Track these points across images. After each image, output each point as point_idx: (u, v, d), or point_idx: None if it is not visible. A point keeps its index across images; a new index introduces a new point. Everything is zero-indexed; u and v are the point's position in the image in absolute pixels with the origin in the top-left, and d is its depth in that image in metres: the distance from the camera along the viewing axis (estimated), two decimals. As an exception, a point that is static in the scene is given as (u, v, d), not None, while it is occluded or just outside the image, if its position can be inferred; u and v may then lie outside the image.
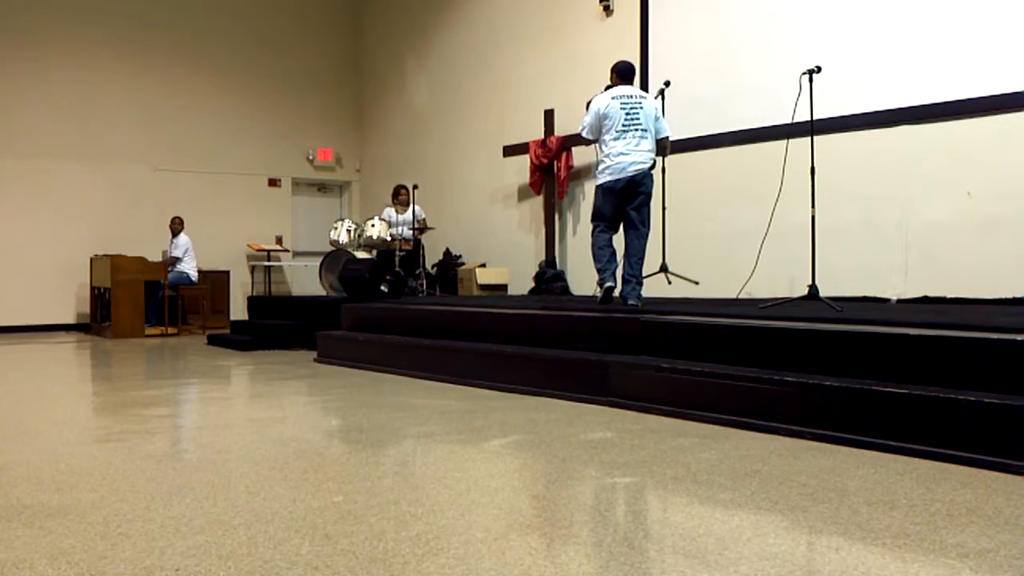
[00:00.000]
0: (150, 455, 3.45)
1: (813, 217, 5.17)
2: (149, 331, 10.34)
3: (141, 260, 10.37)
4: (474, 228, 10.67)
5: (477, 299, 8.70)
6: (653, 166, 5.80)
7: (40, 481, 3.00)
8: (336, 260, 9.50)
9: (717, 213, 7.68)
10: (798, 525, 2.45)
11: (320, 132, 12.98)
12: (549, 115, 9.44)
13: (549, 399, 4.84)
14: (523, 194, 10.04)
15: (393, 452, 3.62)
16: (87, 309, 11.06)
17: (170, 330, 10.47)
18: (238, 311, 11.33)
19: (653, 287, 6.77)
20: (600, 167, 5.83)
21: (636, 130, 5.67)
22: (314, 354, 7.47)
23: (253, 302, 10.28)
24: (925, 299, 6.24)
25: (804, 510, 2.59)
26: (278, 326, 8.75)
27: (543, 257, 9.47)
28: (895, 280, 6.50)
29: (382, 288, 8.44)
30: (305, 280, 12.65)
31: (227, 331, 10.03)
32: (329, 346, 7.26)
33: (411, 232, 9.47)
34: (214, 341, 9.24)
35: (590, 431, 3.91)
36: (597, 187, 5.86)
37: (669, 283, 6.65)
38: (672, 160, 6.69)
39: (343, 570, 2.07)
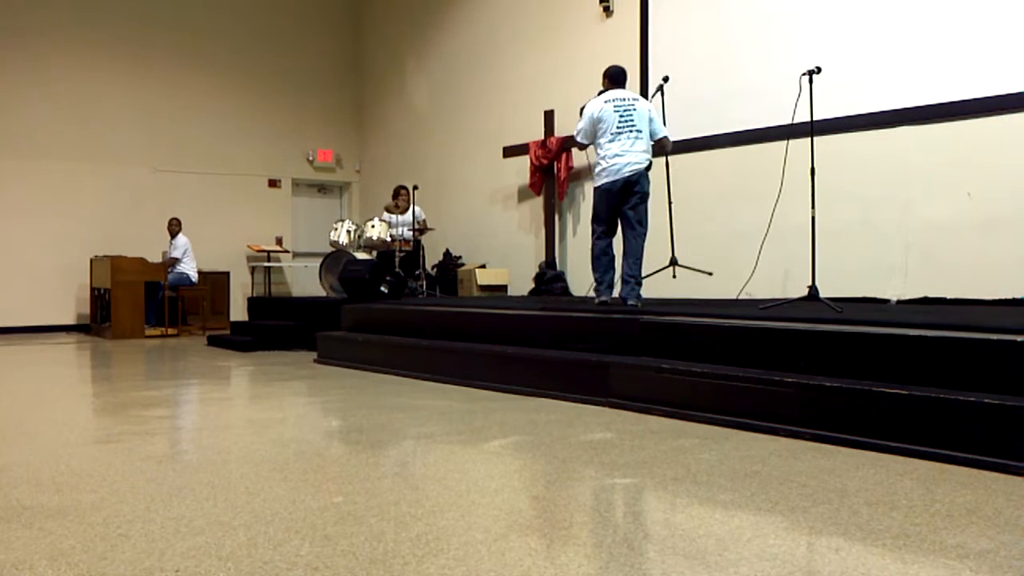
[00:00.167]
0: (150, 456, 3.45)
1: (813, 218, 5.17)
2: (149, 332, 10.34)
3: (141, 261, 10.38)
4: (474, 229, 10.67)
5: (477, 300, 8.70)
6: (649, 167, 5.82)
7: (40, 482, 3.00)
8: (336, 261, 9.50)
9: (717, 213, 7.68)
10: (798, 526, 2.45)
11: (320, 133, 12.98)
12: (549, 116, 9.44)
13: (549, 400, 4.84)
14: (523, 195, 10.04)
15: (393, 453, 3.62)
16: (87, 310, 11.07)
17: (170, 331, 10.47)
18: (238, 312, 11.34)
19: (655, 287, 6.78)
20: (597, 169, 5.87)
21: (631, 131, 5.72)
22: (314, 355, 7.47)
23: (253, 303, 10.28)
24: (925, 300, 6.24)
25: (804, 511, 2.59)
26: (278, 327, 8.75)
27: (543, 258, 9.47)
28: (895, 281, 6.50)
29: (382, 289, 8.44)
30: (305, 281, 12.65)
31: (227, 332, 10.04)
32: (329, 347, 7.26)
33: (411, 233, 9.48)
34: (214, 342, 9.24)
35: (590, 432, 3.91)
36: (595, 190, 5.89)
37: (674, 277, 6.63)
38: (672, 160, 6.70)
39: (343, 571, 2.07)
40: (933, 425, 3.26)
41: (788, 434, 3.68)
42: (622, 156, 5.70)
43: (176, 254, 10.78)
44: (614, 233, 5.92)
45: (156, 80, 11.63)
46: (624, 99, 5.83)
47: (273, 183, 12.67)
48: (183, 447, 3.87)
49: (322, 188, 13.41)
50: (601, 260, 5.91)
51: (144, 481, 3.01)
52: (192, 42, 11.89)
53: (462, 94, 11.07)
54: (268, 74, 12.47)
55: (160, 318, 10.46)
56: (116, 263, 10.10)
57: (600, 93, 5.97)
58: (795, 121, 5.38)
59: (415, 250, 9.52)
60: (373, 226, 9.61)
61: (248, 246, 12.24)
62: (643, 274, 5.85)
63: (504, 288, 9.87)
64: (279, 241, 12.57)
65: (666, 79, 6.77)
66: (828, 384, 3.65)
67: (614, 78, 5.98)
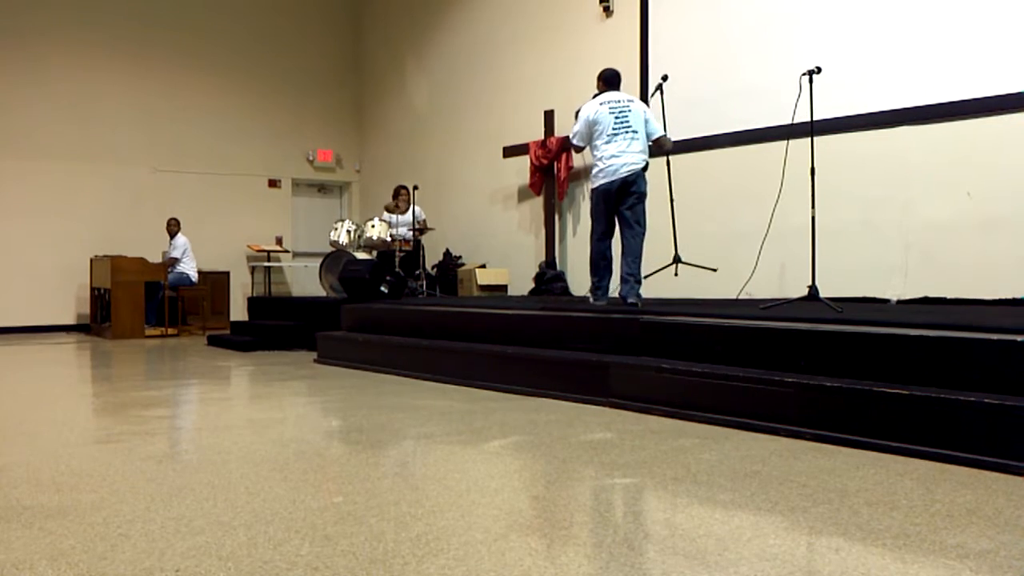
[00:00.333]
0: (150, 456, 3.45)
1: (813, 218, 5.17)
2: (149, 332, 10.34)
3: (141, 261, 10.38)
4: (474, 229, 10.67)
5: (477, 300, 8.70)
6: (646, 167, 5.84)
7: (40, 482, 3.00)
8: (336, 261, 9.50)
9: (717, 213, 7.68)
10: (798, 526, 2.45)
11: (320, 133, 12.98)
12: (549, 116, 9.44)
13: (549, 400, 4.84)
14: (523, 195, 10.04)
15: (393, 453, 3.62)
16: (87, 310, 11.07)
17: (170, 331, 10.48)
18: (238, 312, 11.34)
19: (656, 287, 6.78)
20: (594, 171, 5.92)
21: (626, 132, 5.76)
22: (314, 355, 7.47)
23: (253, 303, 10.28)
24: (925, 300, 6.24)
25: (804, 511, 2.59)
26: (278, 327, 8.75)
27: (543, 258, 9.47)
28: (895, 281, 6.50)
29: (382, 289, 8.44)
30: (305, 281, 12.65)
31: (227, 332, 10.04)
32: (329, 347, 7.26)
33: (411, 233, 9.48)
34: (214, 342, 9.24)
35: (590, 432, 3.91)
36: (592, 191, 5.93)
37: (676, 275, 6.62)
38: (672, 160, 6.69)
39: (343, 571, 2.07)
40: (933, 425, 3.26)
41: (788, 434, 3.68)
42: (619, 157, 5.74)
43: (176, 254, 10.78)
44: (612, 234, 5.94)
45: (156, 80, 11.64)
46: (619, 101, 5.88)
47: (273, 183, 12.67)
48: (183, 447, 3.87)
49: (322, 188, 13.41)
50: (599, 264, 5.96)
51: (144, 481, 3.01)
52: (192, 42, 11.89)
53: (462, 94, 11.07)
54: (268, 74, 12.47)
55: (160, 318, 10.46)
56: (116, 263, 10.10)
57: (595, 96, 6.03)
58: (795, 121, 5.38)
59: (415, 250, 9.52)
60: (373, 226, 9.61)
61: (248, 246, 12.24)
62: (647, 272, 5.86)
63: (504, 288, 9.87)
64: (279, 241, 12.57)
65: (665, 78, 6.78)
66: (828, 384, 3.65)
67: (608, 80, 6.04)
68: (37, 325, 10.81)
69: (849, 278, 6.45)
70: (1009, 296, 5.80)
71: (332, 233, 9.91)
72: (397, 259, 9.16)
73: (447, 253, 10.77)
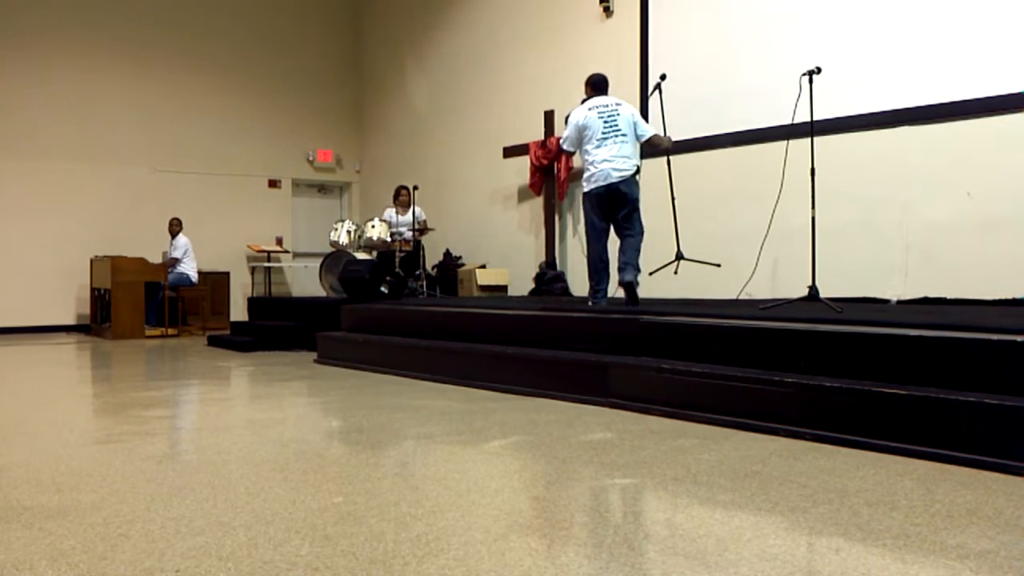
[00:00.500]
0: (150, 456, 3.45)
1: (813, 218, 5.17)
2: (149, 332, 10.34)
3: (141, 261, 10.38)
4: (474, 229, 10.67)
5: (477, 300, 8.70)
6: (638, 171, 5.86)
7: (40, 482, 3.00)
8: (336, 261, 9.50)
9: (717, 214, 7.68)
10: (798, 526, 2.45)
11: (320, 133, 12.98)
12: (549, 116, 9.43)
13: (549, 400, 4.84)
14: (523, 195, 10.04)
15: (393, 453, 3.62)
16: (87, 310, 11.07)
17: (170, 331, 10.48)
18: (238, 312, 11.34)
19: (656, 286, 6.78)
20: (585, 175, 5.98)
21: (616, 136, 5.83)
22: (314, 355, 7.47)
23: (253, 303, 10.28)
24: (925, 300, 6.24)
25: (804, 511, 2.59)
26: (278, 327, 8.75)
27: (543, 258, 9.47)
28: (895, 281, 6.50)
29: (382, 289, 8.44)
30: (305, 281, 12.65)
31: (227, 332, 10.04)
32: (329, 347, 7.26)
33: (411, 233, 9.48)
34: (214, 342, 9.24)
35: (590, 432, 3.91)
36: (584, 195, 5.96)
37: (676, 273, 6.61)
38: (672, 160, 6.69)
39: (343, 571, 2.07)
40: (933, 425, 3.26)
41: (788, 434, 3.68)
42: (610, 161, 5.80)
43: (176, 254, 10.78)
44: (607, 236, 5.97)
45: (156, 80, 11.63)
46: (607, 105, 5.95)
47: (273, 183, 12.67)
48: (183, 447, 3.87)
49: (322, 188, 13.41)
50: (597, 267, 6.02)
51: (144, 481, 3.01)
52: (192, 42, 11.89)
53: (462, 94, 11.07)
54: (268, 74, 12.47)
55: (160, 318, 10.46)
56: (116, 263, 10.10)
57: (583, 101, 6.10)
58: (795, 121, 5.38)
59: (415, 250, 9.52)
60: (373, 226, 9.61)
61: (248, 246, 12.24)
62: (651, 269, 5.88)
63: (504, 288, 9.86)
64: (279, 241, 12.57)
65: (663, 77, 6.78)
66: (828, 384, 3.65)
67: (596, 85, 6.12)
68: (37, 325, 10.81)
69: (849, 278, 6.45)
70: (1009, 296, 5.80)
71: (332, 233, 9.91)
72: (397, 259, 9.16)
73: (447, 253, 10.77)
